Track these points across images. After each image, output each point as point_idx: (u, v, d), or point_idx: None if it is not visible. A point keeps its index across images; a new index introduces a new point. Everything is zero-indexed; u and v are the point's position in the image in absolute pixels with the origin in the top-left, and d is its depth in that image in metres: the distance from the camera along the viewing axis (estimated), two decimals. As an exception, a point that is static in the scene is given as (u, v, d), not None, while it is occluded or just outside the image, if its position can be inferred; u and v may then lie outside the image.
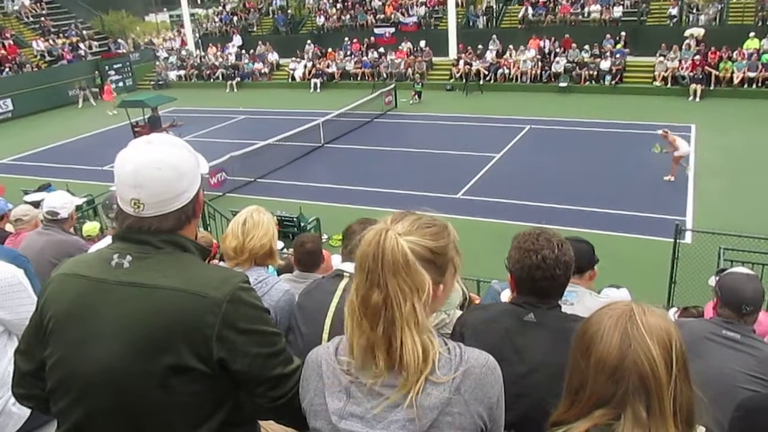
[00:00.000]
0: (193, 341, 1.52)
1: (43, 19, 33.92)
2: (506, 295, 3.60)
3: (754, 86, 22.46)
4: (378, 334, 1.38)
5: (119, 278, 1.58)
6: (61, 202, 4.72)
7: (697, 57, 23.31)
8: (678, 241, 8.59)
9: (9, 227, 5.41)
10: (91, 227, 7.00)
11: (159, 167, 1.59)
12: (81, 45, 33.15)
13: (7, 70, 28.82)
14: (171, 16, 54.85)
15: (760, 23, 24.54)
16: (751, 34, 23.63)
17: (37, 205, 5.71)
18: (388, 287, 1.37)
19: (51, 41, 32.33)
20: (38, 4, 35.04)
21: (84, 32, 34.91)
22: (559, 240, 2.25)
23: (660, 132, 14.25)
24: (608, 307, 1.43)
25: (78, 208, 8.15)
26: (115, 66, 31.95)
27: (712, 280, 3.23)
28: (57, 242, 4.49)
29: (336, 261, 4.07)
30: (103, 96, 27.78)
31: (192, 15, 37.90)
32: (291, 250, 4.02)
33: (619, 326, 1.35)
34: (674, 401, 1.30)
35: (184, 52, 35.28)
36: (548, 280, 2.19)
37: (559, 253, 2.19)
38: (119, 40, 37.08)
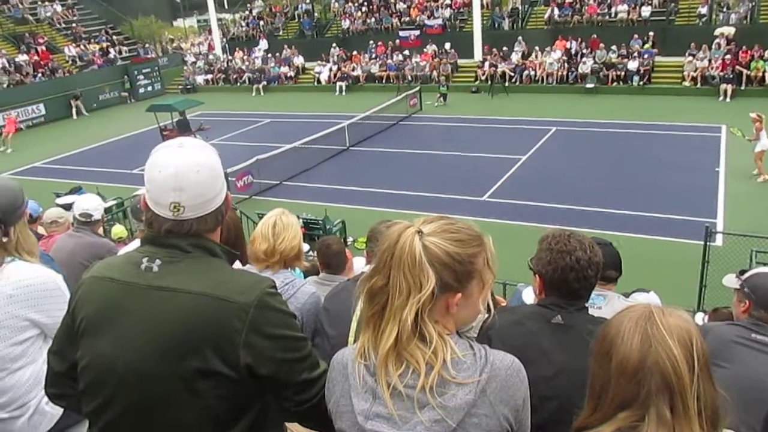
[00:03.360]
0: (220, 346, 1.54)
1: (74, 25, 34.61)
2: (528, 297, 3.58)
3: (786, 85, 22.00)
4: (374, 316, 1.46)
5: (148, 282, 1.60)
6: (95, 204, 4.82)
7: (728, 56, 22.89)
8: (708, 243, 8.45)
9: (40, 230, 5.52)
10: (120, 230, 7.13)
11: (198, 170, 1.62)
12: (111, 50, 33.78)
13: (40, 75, 29.47)
14: (198, 21, 55.53)
15: (793, 21, 24.05)
16: (784, 32, 23.17)
17: (68, 207, 5.81)
18: (389, 277, 1.42)
19: (82, 47, 32.98)
20: (70, 11, 35.79)
21: (114, 37, 35.56)
22: (590, 241, 2.27)
23: (753, 115, 13.63)
24: (627, 309, 1.43)
25: (107, 210, 8.29)
26: (143, 71, 32.45)
27: (731, 281, 3.14)
28: (88, 244, 4.57)
29: (359, 263, 4.09)
30: (4, 129, 23.39)
31: (219, 19, 38.32)
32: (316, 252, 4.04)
33: (639, 327, 1.36)
34: (698, 401, 1.30)
35: (211, 57, 35.69)
36: (581, 281, 2.20)
37: (591, 254, 2.22)
38: (148, 45, 37.68)
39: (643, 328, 1.35)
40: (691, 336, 1.33)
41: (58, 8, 35.06)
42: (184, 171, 1.60)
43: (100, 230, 5.14)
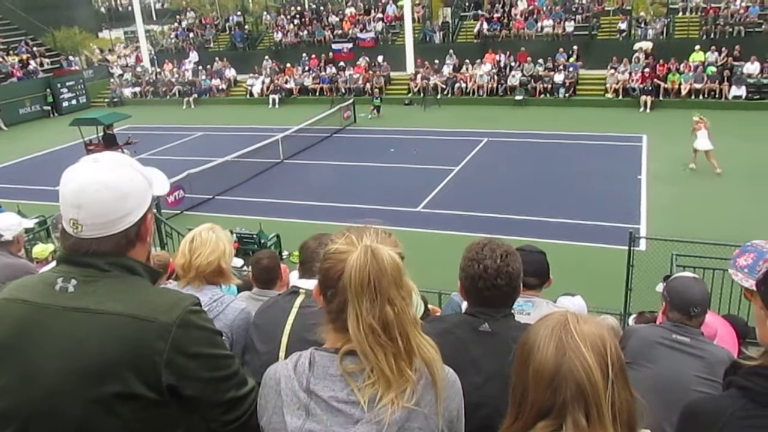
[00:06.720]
0: (142, 368, 1.48)
1: (-10, 36, 33.04)
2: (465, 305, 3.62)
3: (700, 97, 23.24)
4: (400, 347, 1.38)
5: (64, 303, 1.53)
6: (7, 223, 4.55)
7: (646, 69, 24.05)
8: (632, 248, 8.76)
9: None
10: (41, 249, 6.79)
11: (99, 188, 1.55)
12: (32, 62, 32.33)
13: (-47, 88, 27.94)
14: (126, 33, 53.84)
15: (704, 37, 25.50)
16: (697, 47, 24.51)
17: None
18: (396, 301, 1.38)
19: (0, 58, 31.46)
20: (-14, 21, 34.14)
21: (35, 49, 34.06)
22: (505, 251, 2.25)
23: (695, 118, 15.10)
24: (544, 317, 1.43)
25: (28, 230, 7.89)
26: (67, 83, 31.24)
27: (660, 287, 3.31)
28: (3, 266, 4.33)
29: (294, 277, 4.04)
30: None
31: (147, 31, 37.35)
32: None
33: (555, 336, 1.35)
34: (613, 406, 1.30)
35: (139, 69, 34.74)
36: (490, 290, 2.20)
37: (501, 263, 2.20)
38: (72, 57, 36.32)
39: (558, 336, 1.35)
40: (605, 343, 1.34)
41: (-27, 18, 33.39)
42: (84, 188, 1.55)
43: (21, 251, 4.90)
